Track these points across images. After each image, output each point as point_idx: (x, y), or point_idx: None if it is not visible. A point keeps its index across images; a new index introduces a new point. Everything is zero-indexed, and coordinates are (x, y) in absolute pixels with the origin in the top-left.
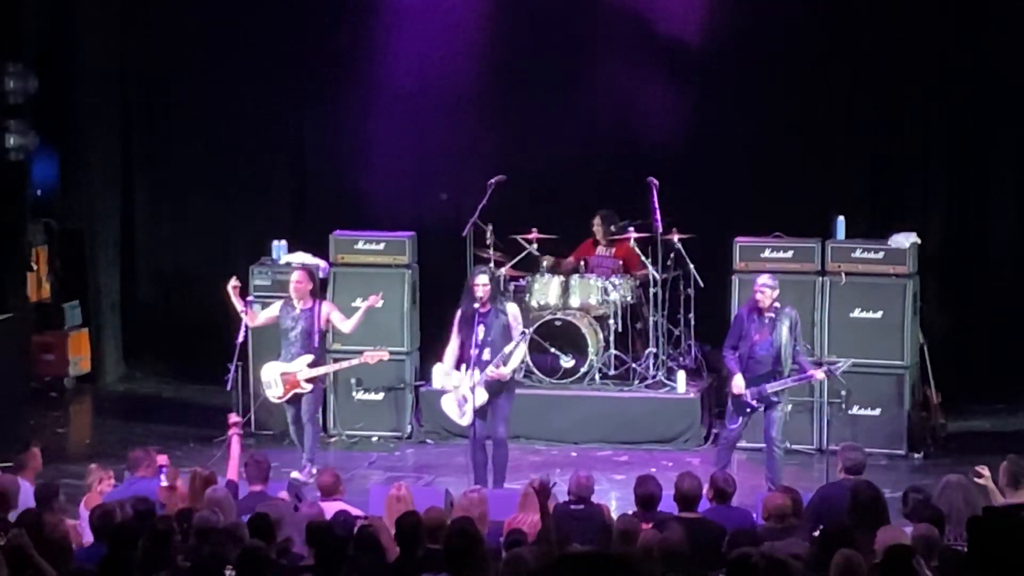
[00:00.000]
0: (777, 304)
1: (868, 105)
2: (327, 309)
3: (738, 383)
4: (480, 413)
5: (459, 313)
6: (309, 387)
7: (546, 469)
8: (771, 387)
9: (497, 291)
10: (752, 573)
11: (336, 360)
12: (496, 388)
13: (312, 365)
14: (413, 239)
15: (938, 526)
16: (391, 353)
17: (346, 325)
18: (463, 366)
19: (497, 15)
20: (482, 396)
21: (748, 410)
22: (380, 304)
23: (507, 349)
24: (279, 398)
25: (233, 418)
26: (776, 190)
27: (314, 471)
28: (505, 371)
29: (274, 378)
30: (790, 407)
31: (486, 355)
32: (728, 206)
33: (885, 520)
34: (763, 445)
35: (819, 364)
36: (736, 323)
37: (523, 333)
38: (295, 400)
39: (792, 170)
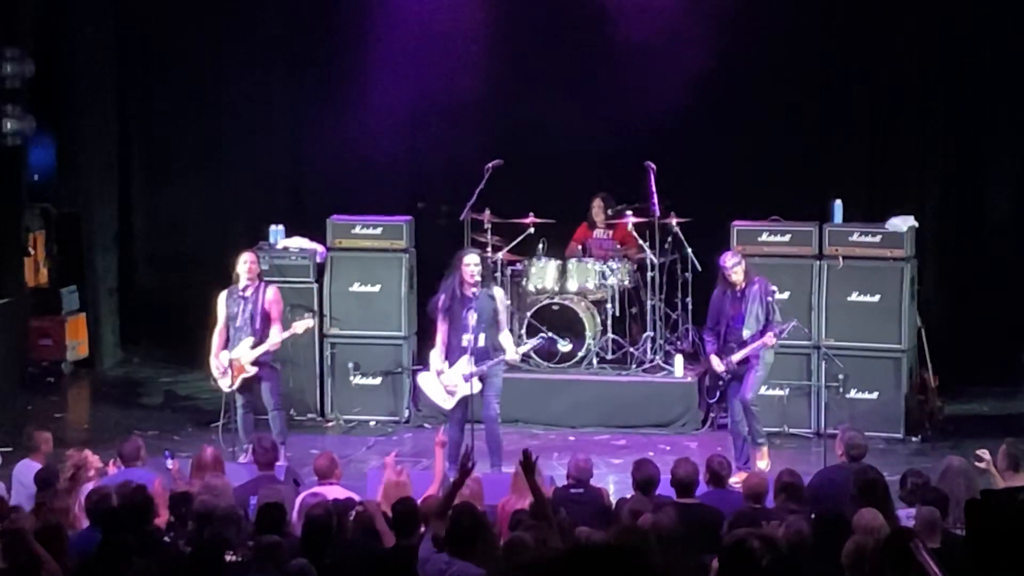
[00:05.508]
0: (748, 279)
1: (865, 88)
2: (271, 293)
3: (715, 362)
4: (469, 399)
5: (442, 299)
6: (254, 369)
7: (543, 453)
8: (735, 356)
9: (488, 273)
10: (749, 555)
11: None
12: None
13: (253, 347)
14: (410, 223)
15: (941, 508)
16: (389, 338)
17: (276, 332)
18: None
19: None
20: (476, 386)
21: (720, 383)
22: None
23: (525, 348)
24: (230, 387)
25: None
26: (773, 174)
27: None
28: (521, 352)
29: (223, 368)
30: (786, 390)
31: (481, 341)
32: (725, 190)
33: (889, 505)
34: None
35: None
36: (712, 304)
37: (541, 337)
38: (247, 387)
39: (789, 154)
